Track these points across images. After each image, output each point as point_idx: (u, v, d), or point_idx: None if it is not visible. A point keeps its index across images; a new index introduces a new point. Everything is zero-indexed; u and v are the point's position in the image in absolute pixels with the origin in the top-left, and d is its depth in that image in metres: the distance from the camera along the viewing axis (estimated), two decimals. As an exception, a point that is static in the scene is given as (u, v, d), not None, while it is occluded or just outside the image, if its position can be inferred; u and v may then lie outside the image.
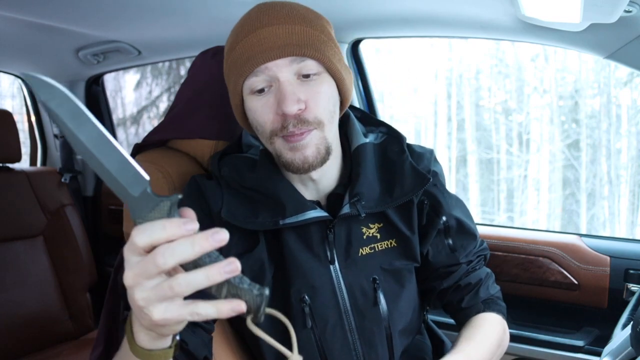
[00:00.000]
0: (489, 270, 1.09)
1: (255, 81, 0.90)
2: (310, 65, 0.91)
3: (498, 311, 1.05)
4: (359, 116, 1.09)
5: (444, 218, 1.03)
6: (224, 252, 0.93)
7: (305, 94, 0.89)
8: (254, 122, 0.94)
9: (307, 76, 0.90)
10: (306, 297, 0.95)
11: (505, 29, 1.33)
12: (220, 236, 0.53)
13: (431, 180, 1.03)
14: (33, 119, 2.50)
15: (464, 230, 1.05)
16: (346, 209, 0.95)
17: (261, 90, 0.91)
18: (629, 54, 1.18)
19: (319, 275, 0.96)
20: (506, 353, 1.52)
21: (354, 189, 0.96)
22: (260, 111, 0.91)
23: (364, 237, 0.99)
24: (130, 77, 4.54)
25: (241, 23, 0.95)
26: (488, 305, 1.04)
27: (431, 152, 1.09)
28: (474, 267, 1.06)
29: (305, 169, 0.91)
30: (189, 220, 0.53)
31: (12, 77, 2.40)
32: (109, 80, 2.58)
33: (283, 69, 0.89)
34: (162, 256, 0.52)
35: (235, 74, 0.92)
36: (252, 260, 0.96)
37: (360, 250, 0.98)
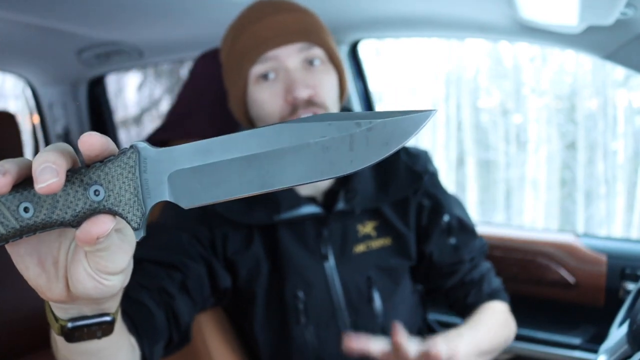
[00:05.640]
0: (489, 264, 1.10)
1: (262, 69, 0.91)
2: (317, 54, 0.93)
3: (502, 299, 1.06)
4: None
5: (445, 218, 1.05)
6: (221, 248, 0.95)
7: (313, 80, 0.91)
8: (260, 112, 0.94)
9: (311, 63, 0.92)
10: (300, 293, 0.96)
11: (504, 31, 1.35)
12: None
13: (429, 179, 1.04)
14: (36, 119, 2.50)
15: (465, 228, 1.07)
16: (341, 205, 0.97)
17: (266, 77, 0.92)
18: (625, 55, 1.20)
19: (313, 271, 0.97)
20: (504, 351, 1.54)
21: (349, 186, 0.98)
22: (268, 99, 0.92)
23: (359, 234, 1.00)
24: (132, 79, 4.54)
25: (242, 16, 0.97)
26: (492, 297, 1.06)
27: (426, 153, 1.11)
28: (476, 263, 1.07)
29: None
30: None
31: (16, 78, 2.41)
32: (110, 82, 2.59)
33: (291, 57, 0.91)
34: None
35: (240, 62, 0.93)
36: (248, 257, 0.97)
37: (355, 247, 0.99)
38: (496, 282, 1.08)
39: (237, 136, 0.40)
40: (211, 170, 0.40)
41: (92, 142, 0.40)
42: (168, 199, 0.41)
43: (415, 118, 0.40)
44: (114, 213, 0.40)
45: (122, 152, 0.40)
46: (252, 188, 0.40)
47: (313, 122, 0.40)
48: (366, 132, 0.40)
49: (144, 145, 0.41)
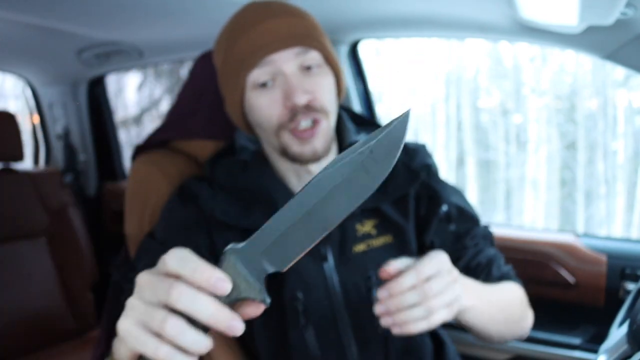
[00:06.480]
0: (496, 250, 1.07)
1: (260, 74, 0.91)
2: (314, 57, 0.93)
3: (515, 282, 1.03)
4: (349, 115, 1.11)
5: (443, 207, 1.04)
6: (219, 252, 0.94)
7: (311, 85, 0.91)
8: (259, 118, 0.94)
9: (308, 68, 0.92)
10: (299, 295, 0.96)
11: (504, 30, 1.35)
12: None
13: (426, 174, 1.04)
14: (36, 119, 2.50)
15: (465, 215, 1.06)
16: None
17: (264, 85, 0.92)
18: (625, 55, 1.19)
19: (312, 272, 0.97)
20: (504, 351, 1.54)
21: None
22: (267, 106, 0.92)
23: (358, 234, 0.99)
24: (132, 79, 4.54)
25: (236, 20, 0.96)
26: (503, 280, 1.02)
27: (424, 146, 1.11)
28: (481, 248, 1.04)
29: (315, 159, 0.93)
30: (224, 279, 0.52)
31: (16, 78, 2.41)
32: (110, 82, 2.58)
33: (288, 62, 0.90)
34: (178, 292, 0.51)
35: (237, 69, 0.93)
36: None
37: (355, 247, 0.99)
38: (506, 267, 1.05)
39: (289, 205, 0.54)
40: (287, 236, 0.54)
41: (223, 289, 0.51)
42: (271, 271, 0.55)
43: (399, 124, 0.52)
44: (245, 299, 0.54)
45: (222, 260, 0.53)
46: (319, 233, 0.53)
47: (330, 170, 0.52)
48: (370, 155, 0.52)
49: (232, 246, 0.54)
